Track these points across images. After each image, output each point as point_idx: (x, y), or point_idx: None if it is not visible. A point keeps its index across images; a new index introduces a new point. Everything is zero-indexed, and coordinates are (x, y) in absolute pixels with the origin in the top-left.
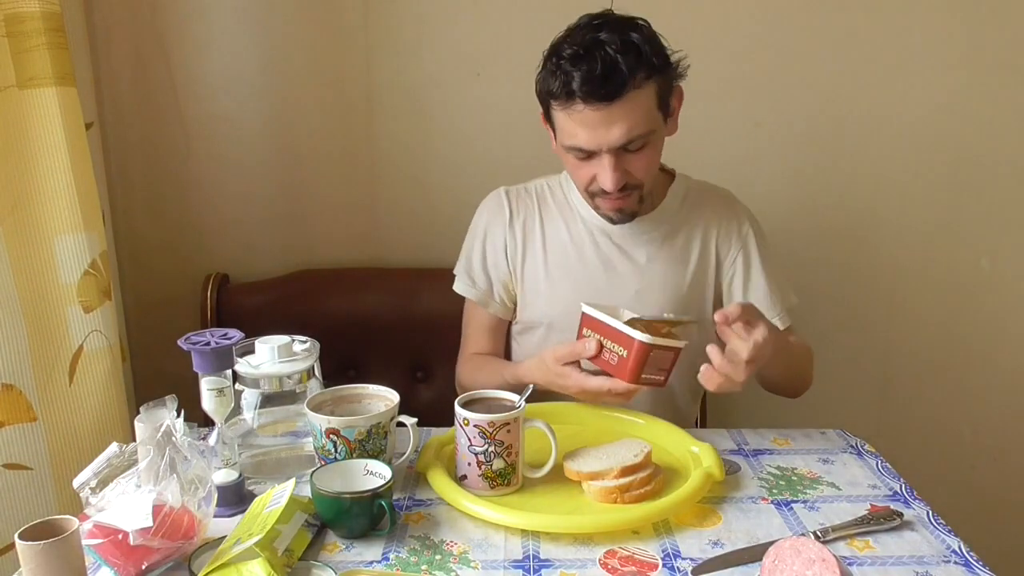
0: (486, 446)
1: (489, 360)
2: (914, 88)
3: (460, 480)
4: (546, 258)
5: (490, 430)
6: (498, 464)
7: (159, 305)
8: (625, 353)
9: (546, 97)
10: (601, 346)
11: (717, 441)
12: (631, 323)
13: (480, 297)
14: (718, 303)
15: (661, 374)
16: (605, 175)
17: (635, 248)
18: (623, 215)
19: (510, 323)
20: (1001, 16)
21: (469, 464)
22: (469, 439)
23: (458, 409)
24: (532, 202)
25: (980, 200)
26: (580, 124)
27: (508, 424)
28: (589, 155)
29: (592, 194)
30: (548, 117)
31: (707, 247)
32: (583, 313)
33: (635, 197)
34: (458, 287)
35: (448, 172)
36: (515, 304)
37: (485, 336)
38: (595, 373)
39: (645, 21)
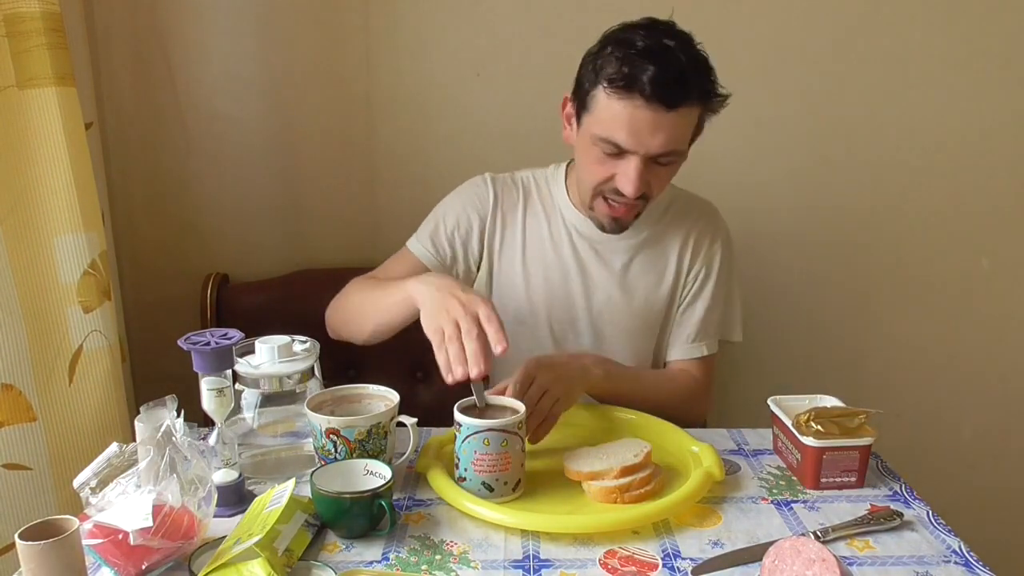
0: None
1: (381, 279)
2: (914, 88)
3: (516, 488)
4: (524, 252)
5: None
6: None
7: (159, 305)
8: (800, 456)
9: (598, 79)
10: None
11: (717, 441)
12: (818, 412)
13: (434, 265)
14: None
15: (851, 474)
16: (628, 179)
17: (612, 254)
18: (617, 225)
19: None
20: (1001, 16)
21: (522, 465)
22: (522, 439)
23: (508, 420)
24: (518, 193)
25: (980, 200)
26: (628, 120)
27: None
28: (619, 154)
29: (598, 194)
30: (582, 102)
31: (681, 258)
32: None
33: (636, 211)
34: (413, 246)
35: (448, 172)
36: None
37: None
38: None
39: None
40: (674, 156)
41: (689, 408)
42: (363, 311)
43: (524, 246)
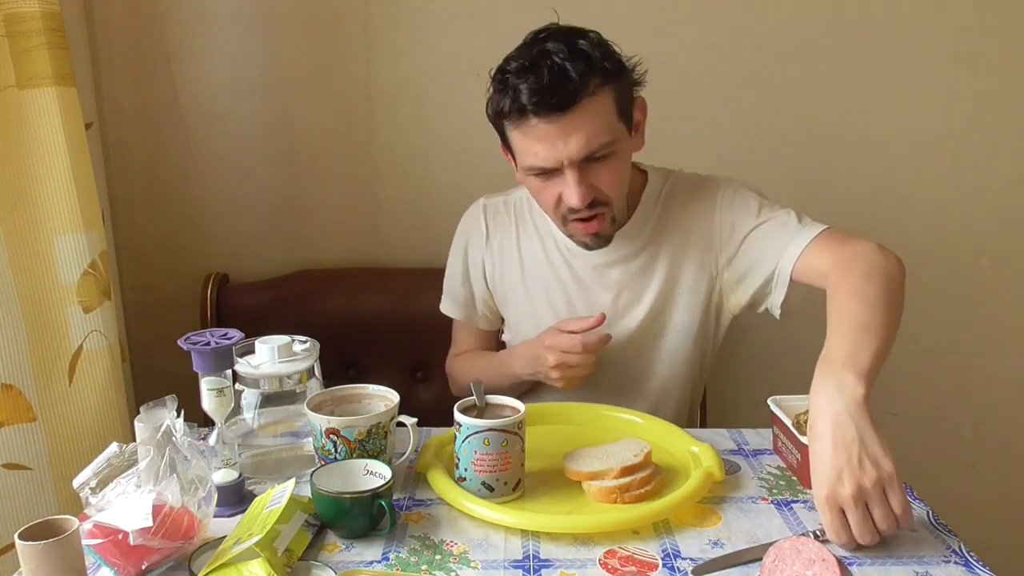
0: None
1: (480, 354)
2: (914, 88)
3: (515, 488)
4: (523, 276)
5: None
6: None
7: (159, 305)
8: (800, 456)
9: (498, 119)
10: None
11: (717, 441)
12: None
13: (464, 314)
14: (725, 299)
15: None
16: (570, 191)
17: (608, 267)
18: (599, 240)
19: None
20: (1001, 16)
21: (522, 465)
22: (522, 440)
23: (508, 420)
24: (510, 218)
25: (980, 200)
26: (536, 140)
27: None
28: (551, 173)
29: (563, 218)
30: (505, 143)
31: (685, 246)
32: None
33: (607, 218)
34: (443, 307)
35: (448, 172)
36: (499, 317)
37: (474, 344)
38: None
39: (594, 31)
40: (605, 148)
41: (890, 268)
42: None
43: (523, 270)
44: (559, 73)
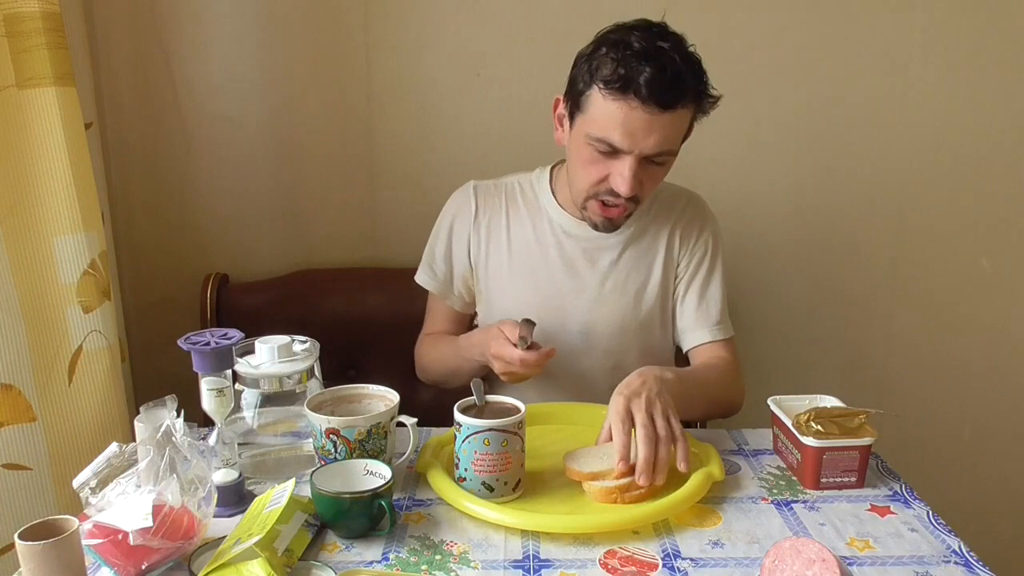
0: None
1: (445, 337)
2: (914, 88)
3: (516, 488)
4: (510, 257)
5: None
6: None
7: (159, 305)
8: (800, 456)
9: (593, 80)
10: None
11: (717, 441)
12: (818, 412)
13: (439, 289)
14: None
15: (850, 475)
16: (622, 178)
17: (600, 251)
18: (610, 225)
19: (472, 315)
20: (1001, 16)
21: (522, 465)
22: (522, 440)
23: (508, 420)
24: (500, 200)
25: (980, 200)
26: (622, 120)
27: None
28: (613, 153)
29: (592, 196)
30: (576, 102)
31: (671, 249)
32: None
33: (629, 211)
34: (419, 277)
35: (448, 172)
36: (474, 300)
37: (445, 325)
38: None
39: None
40: (667, 156)
41: (733, 395)
42: (445, 374)
43: (510, 250)
44: (677, 74)
